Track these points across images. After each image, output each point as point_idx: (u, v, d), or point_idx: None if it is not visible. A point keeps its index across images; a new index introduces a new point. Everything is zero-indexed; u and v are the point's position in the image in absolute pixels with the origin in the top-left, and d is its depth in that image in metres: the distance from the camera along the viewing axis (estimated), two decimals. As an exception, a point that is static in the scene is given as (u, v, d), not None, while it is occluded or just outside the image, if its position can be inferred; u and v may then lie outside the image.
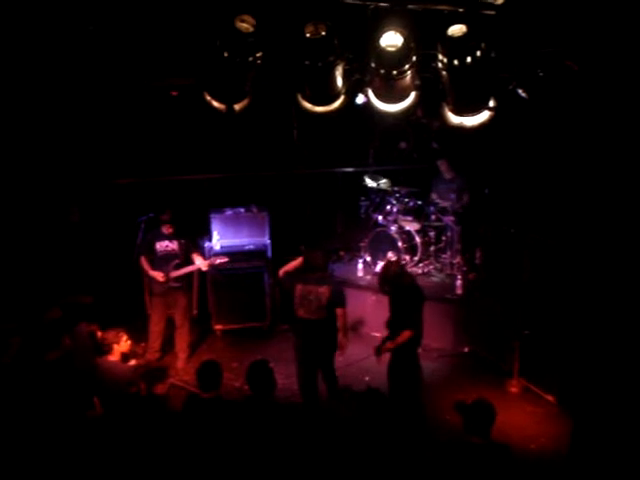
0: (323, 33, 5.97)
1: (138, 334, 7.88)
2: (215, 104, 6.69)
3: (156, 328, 7.91)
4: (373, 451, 4.43)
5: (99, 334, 6.29)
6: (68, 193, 8.86)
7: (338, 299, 6.53)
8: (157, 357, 7.98)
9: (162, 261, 7.74)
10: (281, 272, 6.84)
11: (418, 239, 9.33)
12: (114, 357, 5.98)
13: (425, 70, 6.64)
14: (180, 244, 7.83)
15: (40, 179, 8.44)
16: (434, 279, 9.21)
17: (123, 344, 6.03)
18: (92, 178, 9.16)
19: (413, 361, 6.55)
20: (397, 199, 9.59)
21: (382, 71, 6.23)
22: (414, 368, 6.55)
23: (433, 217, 9.49)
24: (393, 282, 6.54)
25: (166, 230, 7.75)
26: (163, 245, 7.76)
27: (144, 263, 7.79)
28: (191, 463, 4.84)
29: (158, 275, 7.65)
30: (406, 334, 6.27)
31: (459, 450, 4.49)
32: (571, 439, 6.13)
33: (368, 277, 9.39)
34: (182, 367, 7.89)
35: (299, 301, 6.52)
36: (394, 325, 6.49)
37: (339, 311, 6.52)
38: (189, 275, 8.15)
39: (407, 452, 4.58)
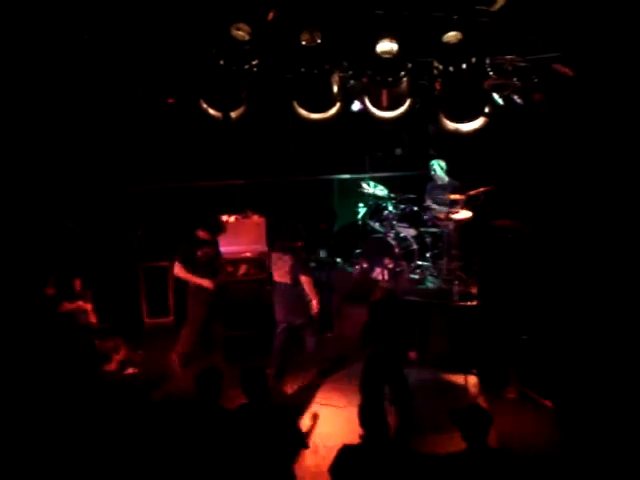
0: (319, 41, 6.00)
1: (134, 342, 7.84)
2: (211, 112, 6.71)
3: (197, 338, 7.67)
4: (371, 456, 4.44)
5: (97, 343, 6.29)
6: (65, 199, 8.84)
7: (299, 267, 7.36)
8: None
9: (205, 268, 7.51)
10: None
11: (415, 245, 9.34)
12: (112, 366, 5.98)
13: (421, 77, 6.67)
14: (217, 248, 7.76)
15: (36, 185, 8.42)
16: (431, 285, 9.20)
17: (121, 353, 6.04)
18: (88, 185, 9.15)
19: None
20: (393, 205, 9.61)
21: (378, 78, 6.25)
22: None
23: (429, 223, 9.50)
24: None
25: (204, 235, 7.53)
26: (204, 251, 7.52)
27: (184, 272, 7.46)
28: (188, 472, 4.82)
29: (207, 282, 7.42)
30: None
31: (457, 457, 4.49)
32: (569, 444, 6.15)
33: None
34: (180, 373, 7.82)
35: (272, 266, 7.55)
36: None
37: (303, 278, 7.34)
38: None
39: (404, 458, 4.57)
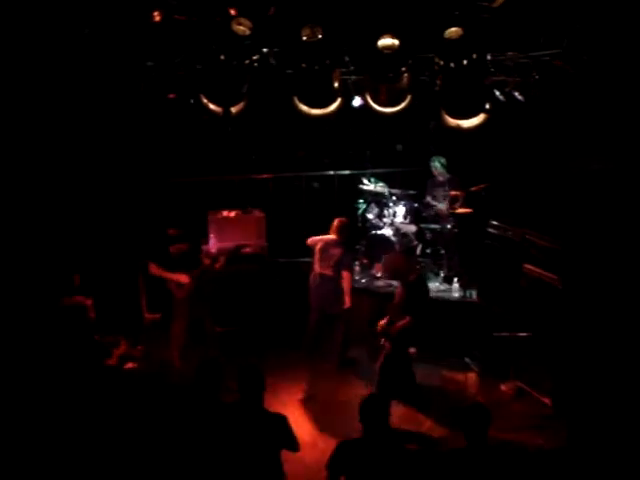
0: (320, 36, 6.00)
1: (134, 337, 7.84)
2: (212, 107, 6.71)
3: (185, 334, 7.75)
4: (369, 452, 4.45)
5: (97, 338, 6.30)
6: (66, 195, 8.83)
7: (346, 262, 7.88)
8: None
9: (180, 264, 7.52)
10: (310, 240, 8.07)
11: (415, 241, 9.34)
12: (112, 361, 5.99)
13: (421, 73, 6.67)
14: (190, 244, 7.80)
15: (37, 182, 8.41)
16: (430, 282, 9.20)
17: (121, 348, 6.05)
18: (89, 180, 9.13)
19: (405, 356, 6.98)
20: (394, 202, 9.61)
21: (379, 73, 6.25)
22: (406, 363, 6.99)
23: (430, 220, 9.50)
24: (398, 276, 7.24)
25: (174, 232, 7.63)
26: (176, 247, 7.57)
27: (158, 270, 7.50)
28: (185, 464, 4.82)
29: (182, 276, 7.47)
30: (406, 320, 6.74)
31: (456, 453, 4.50)
32: (567, 441, 6.15)
33: (364, 280, 9.39)
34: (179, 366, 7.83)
35: (318, 256, 7.85)
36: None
37: (344, 274, 7.82)
38: None
39: (403, 454, 4.57)
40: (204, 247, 8.80)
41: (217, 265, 7.70)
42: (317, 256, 7.90)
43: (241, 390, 4.86)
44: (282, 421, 4.82)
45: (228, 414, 4.86)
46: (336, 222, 7.92)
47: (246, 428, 4.73)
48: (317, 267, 7.89)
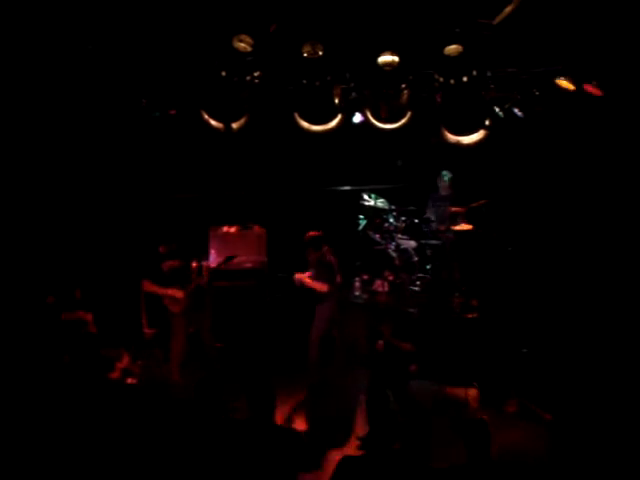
0: (320, 53, 6.03)
1: (134, 352, 7.83)
2: (213, 123, 6.73)
3: (184, 348, 7.78)
4: (372, 468, 4.43)
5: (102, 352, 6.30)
6: (70, 208, 8.86)
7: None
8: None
9: (173, 280, 7.57)
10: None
11: (415, 257, 9.33)
12: (115, 374, 5.99)
13: (422, 89, 6.70)
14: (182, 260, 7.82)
15: (40, 195, 8.43)
16: (431, 298, 9.18)
17: (124, 361, 6.05)
18: (91, 195, 9.16)
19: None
20: (394, 217, 9.61)
21: (379, 90, 6.28)
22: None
23: (430, 235, 9.50)
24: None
25: (163, 250, 7.61)
26: (167, 264, 7.58)
27: (152, 286, 7.56)
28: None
29: (177, 291, 7.53)
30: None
31: (458, 469, 4.48)
32: (569, 457, 6.12)
33: (365, 296, 9.38)
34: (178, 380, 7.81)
35: (336, 270, 7.59)
36: None
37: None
38: None
39: (406, 470, 4.55)
40: (204, 263, 8.80)
41: (201, 280, 7.72)
42: (336, 271, 7.71)
43: (251, 406, 4.85)
44: (297, 437, 4.83)
45: (237, 430, 4.85)
46: (315, 233, 7.75)
47: (258, 444, 4.72)
48: (339, 279, 7.78)
